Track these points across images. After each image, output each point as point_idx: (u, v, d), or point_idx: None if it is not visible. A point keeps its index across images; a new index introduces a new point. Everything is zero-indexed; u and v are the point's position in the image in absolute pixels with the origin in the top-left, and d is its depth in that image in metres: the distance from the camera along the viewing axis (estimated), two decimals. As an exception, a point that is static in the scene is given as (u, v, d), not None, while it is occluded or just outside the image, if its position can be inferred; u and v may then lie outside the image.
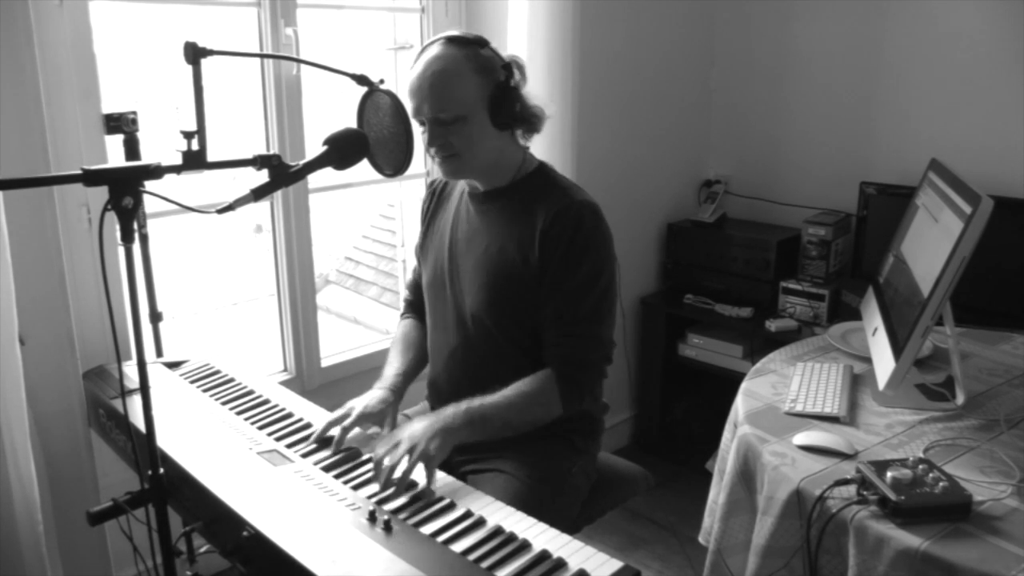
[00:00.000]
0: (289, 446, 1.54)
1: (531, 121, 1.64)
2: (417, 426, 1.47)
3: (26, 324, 1.77)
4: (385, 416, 1.62)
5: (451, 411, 1.51)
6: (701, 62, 3.25)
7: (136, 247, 1.74)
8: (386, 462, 1.39)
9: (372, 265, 5.74)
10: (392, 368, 1.77)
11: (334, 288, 5.86)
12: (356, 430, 1.58)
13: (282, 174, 1.39)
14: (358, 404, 1.61)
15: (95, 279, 2.02)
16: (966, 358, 1.96)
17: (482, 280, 1.64)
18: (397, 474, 1.37)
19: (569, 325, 1.59)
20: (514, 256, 1.60)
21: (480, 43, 1.59)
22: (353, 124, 1.54)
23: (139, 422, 1.37)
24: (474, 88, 1.55)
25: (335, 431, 1.54)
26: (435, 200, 1.83)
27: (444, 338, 1.74)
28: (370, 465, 1.47)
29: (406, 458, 1.40)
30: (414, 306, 1.92)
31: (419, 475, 1.40)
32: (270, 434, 1.59)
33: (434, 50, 1.57)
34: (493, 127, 1.57)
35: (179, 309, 5.07)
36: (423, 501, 1.34)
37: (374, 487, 1.40)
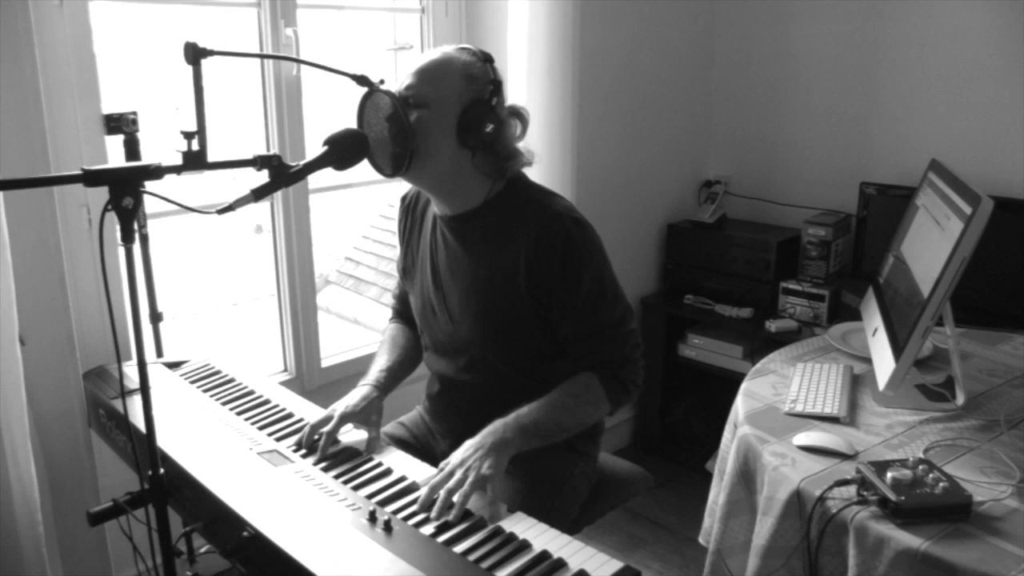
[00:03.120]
0: (289, 446, 1.54)
1: (501, 154, 1.58)
2: (468, 448, 1.44)
3: (26, 324, 1.77)
4: (369, 413, 1.60)
5: (499, 424, 1.48)
6: (701, 63, 3.25)
7: (136, 247, 1.75)
8: (441, 494, 1.33)
9: (372, 265, 5.74)
10: (377, 365, 1.76)
11: (334, 288, 5.87)
12: (356, 435, 1.58)
13: (282, 174, 1.39)
14: (339, 406, 1.60)
15: (95, 279, 2.02)
16: (966, 358, 1.96)
17: (475, 310, 1.62)
18: (456, 499, 1.32)
19: (593, 335, 1.59)
20: (503, 283, 1.58)
21: (485, 57, 1.58)
22: (353, 124, 1.54)
23: (139, 422, 1.37)
24: (453, 87, 1.53)
25: (322, 432, 1.54)
26: (409, 218, 1.80)
27: (441, 363, 1.73)
28: (369, 465, 1.47)
29: (466, 484, 1.35)
30: (401, 314, 1.91)
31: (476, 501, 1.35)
32: (270, 434, 1.59)
33: (446, 47, 1.59)
34: (456, 138, 1.53)
35: (179, 309, 5.08)
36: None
37: (374, 487, 1.40)
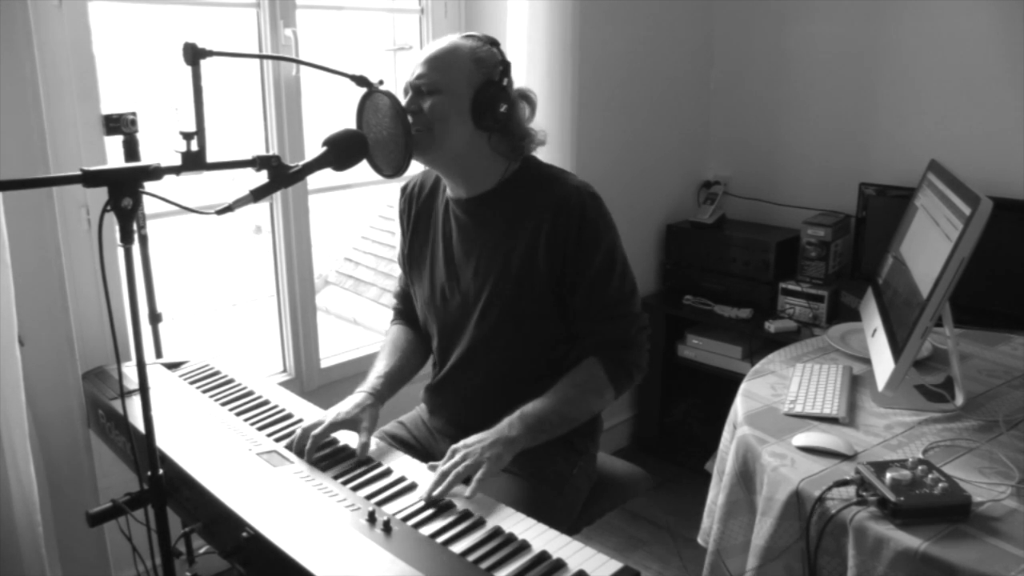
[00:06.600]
0: (289, 447, 1.54)
1: (516, 134, 1.61)
2: (474, 437, 1.47)
3: (26, 325, 1.77)
4: (360, 420, 1.59)
5: (506, 422, 1.50)
6: (701, 62, 3.26)
7: (135, 248, 1.74)
8: (435, 475, 1.38)
9: (371, 266, 5.74)
10: (374, 371, 1.75)
11: (333, 289, 5.87)
12: (356, 437, 1.58)
13: (281, 175, 1.39)
14: (331, 412, 1.59)
15: (95, 280, 2.02)
16: (965, 359, 1.97)
17: (491, 290, 1.62)
18: (449, 479, 1.36)
19: (600, 311, 1.61)
20: (521, 261, 1.59)
21: (490, 41, 1.61)
22: (352, 125, 1.54)
23: (138, 423, 1.37)
24: (463, 72, 1.55)
25: (311, 436, 1.53)
26: (413, 207, 1.79)
27: (447, 350, 1.73)
28: (368, 465, 1.48)
29: (460, 465, 1.39)
30: (403, 314, 1.90)
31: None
32: (270, 435, 1.59)
33: (451, 36, 1.61)
34: (472, 120, 1.56)
35: (179, 310, 5.07)
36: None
37: (373, 487, 1.40)
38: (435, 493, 1.34)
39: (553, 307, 1.62)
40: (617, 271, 1.61)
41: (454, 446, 1.46)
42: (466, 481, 1.39)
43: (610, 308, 1.61)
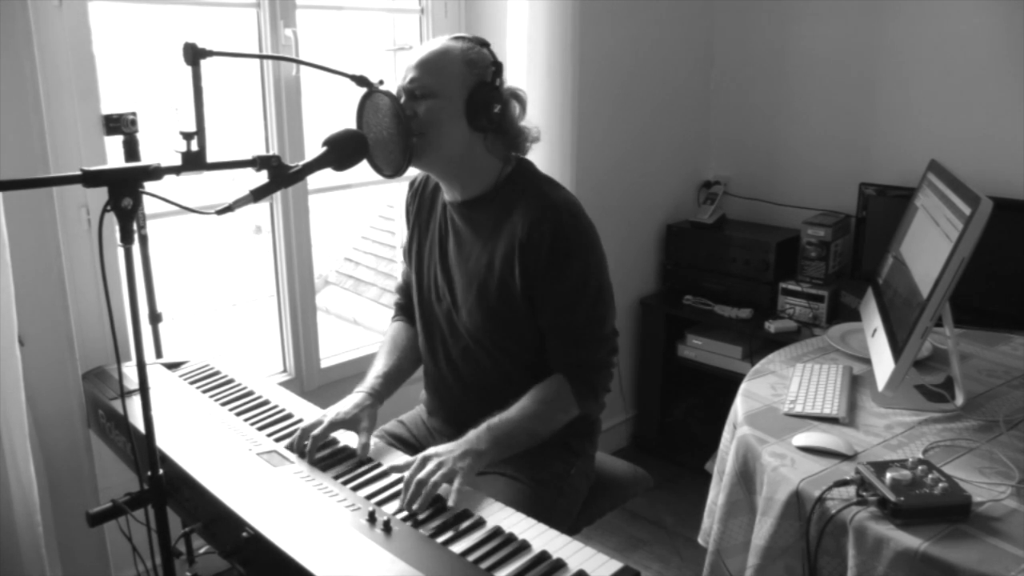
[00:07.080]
0: (289, 447, 1.54)
1: (510, 132, 1.61)
2: (444, 447, 1.46)
3: (26, 325, 1.77)
4: (359, 420, 1.59)
5: (474, 434, 1.50)
6: (701, 62, 3.26)
7: (135, 248, 1.74)
8: (413, 484, 1.36)
9: (371, 266, 5.74)
10: (373, 371, 1.75)
11: (333, 289, 5.86)
12: (355, 437, 1.58)
13: (281, 175, 1.39)
14: (330, 412, 1.59)
15: (95, 280, 2.02)
16: (965, 359, 1.97)
17: (475, 296, 1.62)
18: (425, 489, 1.35)
19: (569, 333, 1.60)
20: (501, 270, 1.59)
21: (480, 42, 1.61)
22: (352, 125, 1.54)
23: (139, 423, 1.37)
24: (456, 74, 1.55)
25: (311, 436, 1.53)
26: (417, 201, 1.80)
27: (441, 349, 1.73)
28: (368, 465, 1.48)
29: (436, 475, 1.38)
30: (405, 309, 1.90)
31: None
32: (270, 435, 1.59)
33: (441, 38, 1.61)
34: (466, 122, 1.55)
35: (179, 310, 5.07)
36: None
37: (373, 487, 1.40)
38: (415, 507, 1.33)
39: (531, 317, 1.61)
40: (588, 295, 1.59)
41: (425, 453, 1.44)
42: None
43: (578, 331, 1.60)
